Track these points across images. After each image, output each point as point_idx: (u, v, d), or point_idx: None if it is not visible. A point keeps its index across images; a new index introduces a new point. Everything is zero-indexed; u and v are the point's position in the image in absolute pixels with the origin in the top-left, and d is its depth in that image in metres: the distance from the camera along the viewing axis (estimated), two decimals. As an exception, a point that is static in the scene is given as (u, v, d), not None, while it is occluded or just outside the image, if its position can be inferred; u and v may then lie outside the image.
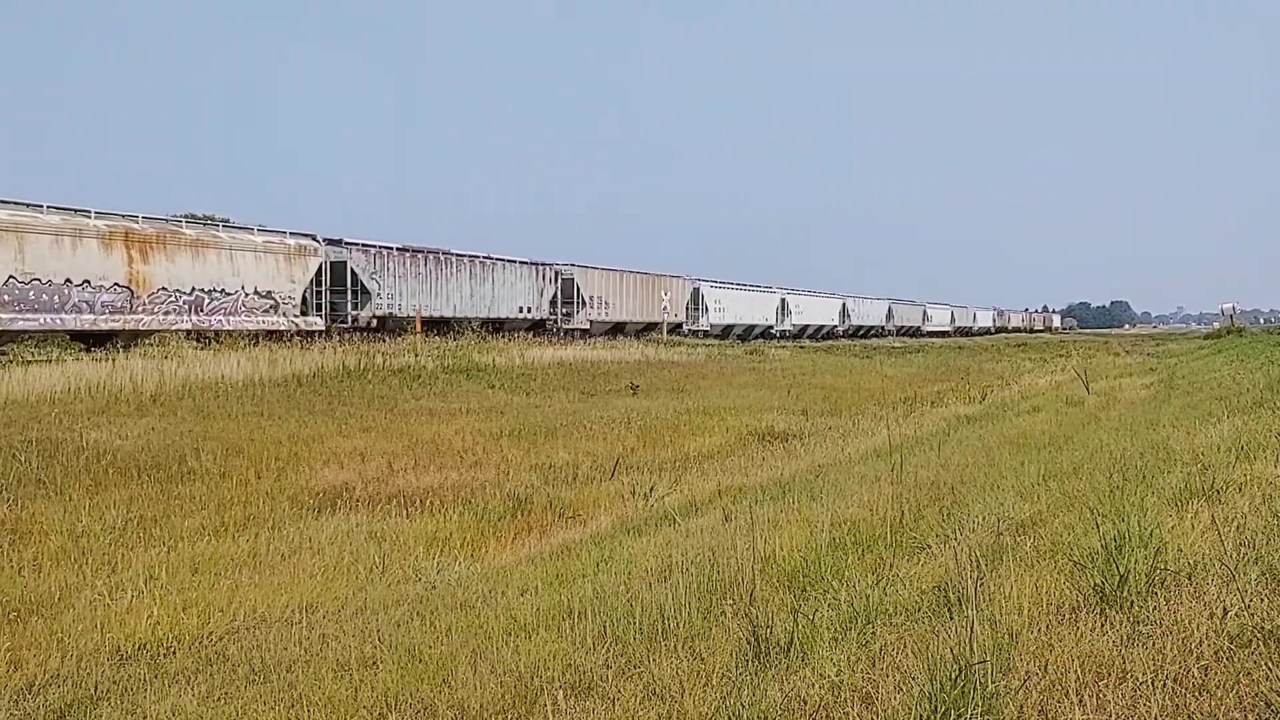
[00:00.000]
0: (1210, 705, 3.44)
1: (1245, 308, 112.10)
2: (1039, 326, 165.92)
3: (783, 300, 78.07)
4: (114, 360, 23.33)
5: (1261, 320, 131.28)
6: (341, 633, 7.52)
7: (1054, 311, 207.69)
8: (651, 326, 58.92)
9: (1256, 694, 3.47)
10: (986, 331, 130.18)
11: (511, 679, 5.32)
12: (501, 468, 16.18)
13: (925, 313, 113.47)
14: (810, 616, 5.15)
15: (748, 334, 71.30)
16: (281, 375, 24.20)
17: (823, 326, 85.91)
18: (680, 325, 62.36)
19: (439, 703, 5.26)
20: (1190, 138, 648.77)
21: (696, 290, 65.11)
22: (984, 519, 6.72)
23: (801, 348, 60.27)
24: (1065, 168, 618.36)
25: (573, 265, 53.12)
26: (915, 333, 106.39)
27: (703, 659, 5.09)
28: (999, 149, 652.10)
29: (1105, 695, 3.60)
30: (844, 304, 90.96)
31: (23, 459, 14.24)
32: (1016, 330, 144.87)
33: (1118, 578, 4.55)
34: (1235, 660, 3.73)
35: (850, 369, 42.70)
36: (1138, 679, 3.69)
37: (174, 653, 7.85)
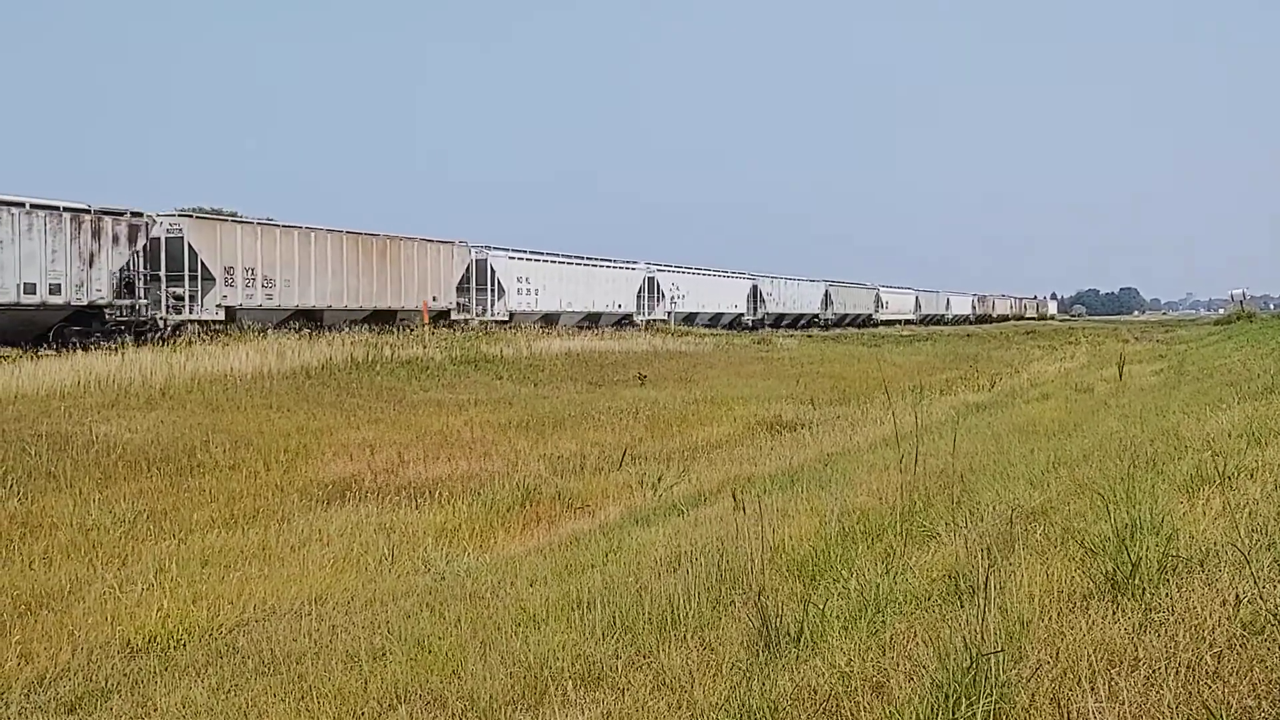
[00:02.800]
0: (1224, 692, 3.41)
1: (1255, 293, 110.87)
2: (1031, 314, 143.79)
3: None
4: (123, 354, 23.38)
5: (1272, 306, 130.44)
6: (351, 624, 7.52)
7: (1051, 298, 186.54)
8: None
9: (1270, 681, 3.44)
10: (964, 320, 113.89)
11: (521, 670, 5.32)
12: (510, 458, 16.19)
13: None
14: (820, 606, 5.13)
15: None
16: (290, 368, 24.22)
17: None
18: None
19: (448, 694, 5.26)
20: (1200, 123, 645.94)
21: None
22: (994, 507, 6.69)
23: (810, 337, 59.80)
24: (1074, 154, 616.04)
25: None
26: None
27: (713, 649, 5.07)
28: (1003, 135, 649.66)
29: (1118, 683, 3.57)
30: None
31: (33, 453, 14.28)
32: (1004, 319, 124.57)
33: (1129, 565, 4.52)
34: (1249, 647, 3.70)
35: (859, 357, 42.63)
36: (1150, 666, 3.67)
37: (184, 645, 7.86)
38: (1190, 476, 6.50)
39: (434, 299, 40.81)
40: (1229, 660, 3.63)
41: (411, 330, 35.36)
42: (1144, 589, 4.41)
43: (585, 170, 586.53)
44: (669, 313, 59.49)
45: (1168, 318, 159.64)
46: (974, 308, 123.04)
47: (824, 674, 4.29)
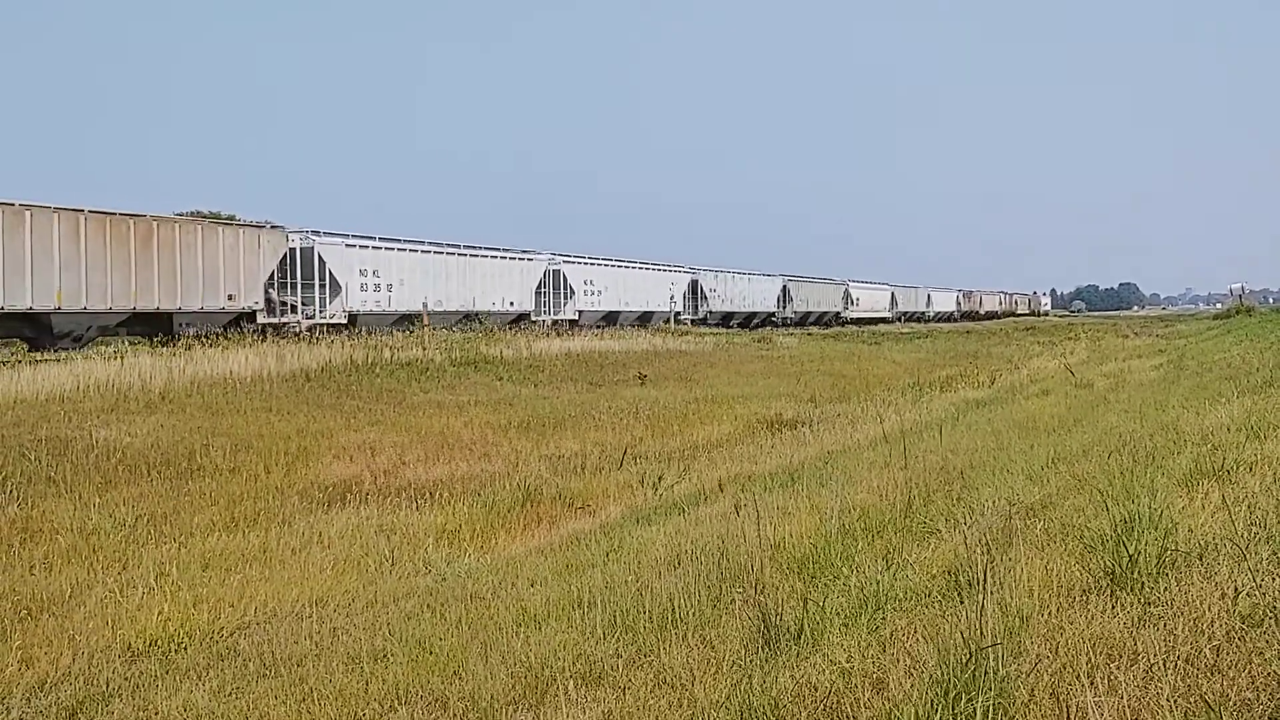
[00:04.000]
0: (1222, 685, 3.41)
1: (1254, 287, 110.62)
2: (1023, 310, 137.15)
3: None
4: (122, 358, 23.38)
5: (1270, 300, 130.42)
6: (352, 626, 7.53)
7: (1046, 294, 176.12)
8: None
9: (1269, 674, 3.44)
10: (948, 318, 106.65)
11: (522, 669, 5.33)
12: (510, 459, 16.19)
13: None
14: (820, 603, 5.14)
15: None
16: (290, 370, 24.21)
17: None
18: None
19: (450, 694, 5.27)
20: (1200, 118, 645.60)
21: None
22: (994, 503, 6.70)
23: (809, 335, 59.47)
24: (1073, 151, 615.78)
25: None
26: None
27: (713, 647, 5.08)
28: (1003, 134, 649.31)
29: (1117, 676, 3.58)
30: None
31: (33, 458, 14.28)
32: (993, 315, 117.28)
33: (1128, 559, 4.53)
34: (1247, 640, 3.70)
35: (858, 355, 42.67)
36: (1149, 660, 3.67)
37: (185, 648, 7.87)
38: (1189, 471, 6.52)
39: (230, 297, 32.30)
40: (1227, 653, 3.64)
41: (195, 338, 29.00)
42: (1143, 583, 4.42)
43: (584, 170, 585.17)
44: (579, 312, 50.65)
45: (1167, 313, 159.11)
46: (959, 304, 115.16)
47: (824, 671, 4.30)
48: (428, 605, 7.64)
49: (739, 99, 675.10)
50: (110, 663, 7.63)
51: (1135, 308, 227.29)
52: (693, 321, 60.01)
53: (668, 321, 56.53)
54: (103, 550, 10.77)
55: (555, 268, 49.82)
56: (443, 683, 5.47)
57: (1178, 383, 15.88)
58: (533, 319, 46.60)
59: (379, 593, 9.00)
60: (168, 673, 7.11)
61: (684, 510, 10.14)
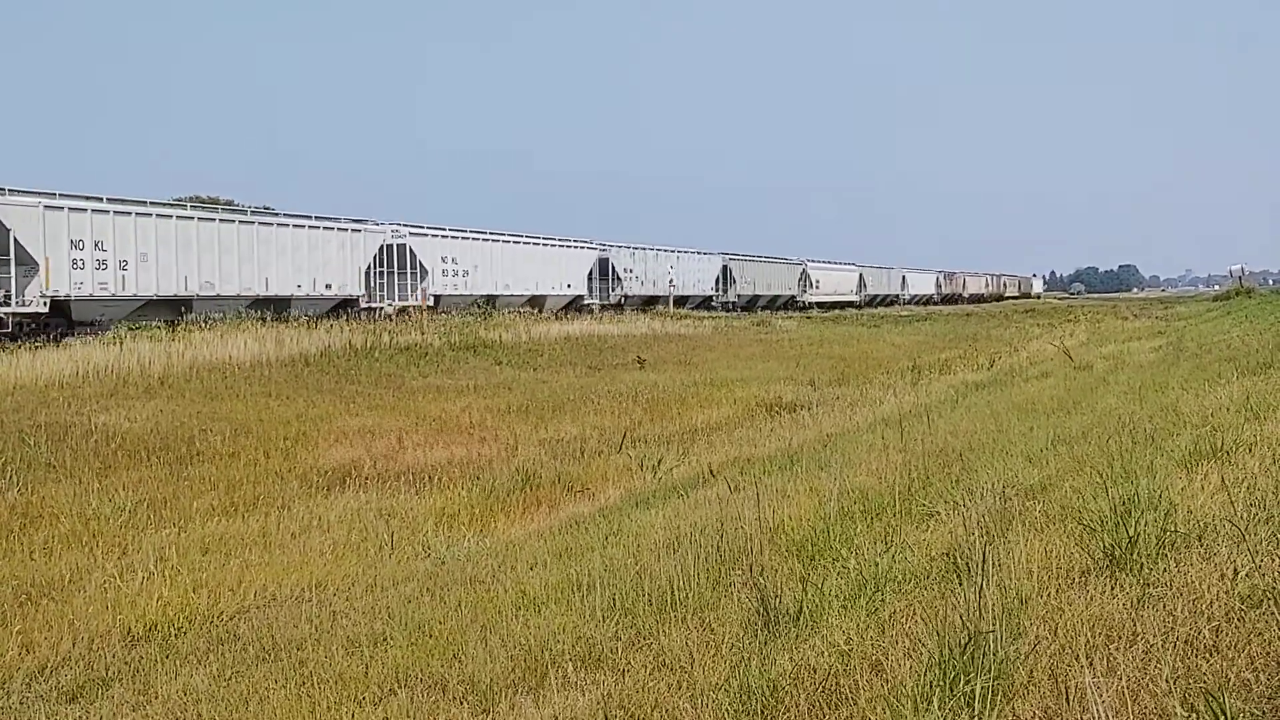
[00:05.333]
0: (1222, 666, 3.41)
1: (1254, 269, 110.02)
2: (1012, 293, 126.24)
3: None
4: (121, 343, 23.35)
5: (1270, 281, 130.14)
6: (352, 610, 7.54)
7: (1039, 276, 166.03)
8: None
9: (1268, 654, 3.44)
10: (926, 301, 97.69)
11: (521, 652, 5.33)
12: (509, 443, 16.19)
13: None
14: (819, 585, 5.14)
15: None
16: (288, 355, 24.21)
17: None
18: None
19: (450, 677, 5.27)
20: (1199, 101, 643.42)
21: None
22: (993, 485, 6.68)
23: (809, 318, 59.17)
24: (1070, 131, 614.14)
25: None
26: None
27: (712, 629, 5.08)
28: (1003, 113, 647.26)
29: (1116, 657, 3.57)
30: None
31: (32, 443, 14.28)
32: (978, 299, 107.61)
33: (1127, 540, 4.52)
34: (1246, 621, 3.70)
35: (858, 338, 42.65)
36: (1149, 641, 3.67)
37: (185, 633, 7.88)
38: (1189, 452, 6.51)
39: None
40: (1227, 634, 3.63)
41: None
42: (1142, 564, 4.41)
43: (587, 170, 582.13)
44: (436, 296, 40.57)
45: (1167, 295, 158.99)
46: (940, 286, 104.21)
47: (823, 653, 4.30)
48: (427, 589, 7.65)
49: (740, 96, 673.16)
50: (110, 647, 7.65)
51: (1135, 290, 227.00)
52: (602, 307, 51.40)
53: (566, 309, 48.62)
54: (102, 535, 10.78)
55: (398, 242, 39.90)
56: (442, 666, 5.47)
57: (1177, 364, 15.87)
58: (373, 307, 38.06)
59: (378, 576, 9.01)
60: (167, 657, 7.12)
61: (683, 493, 10.14)
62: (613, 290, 53.90)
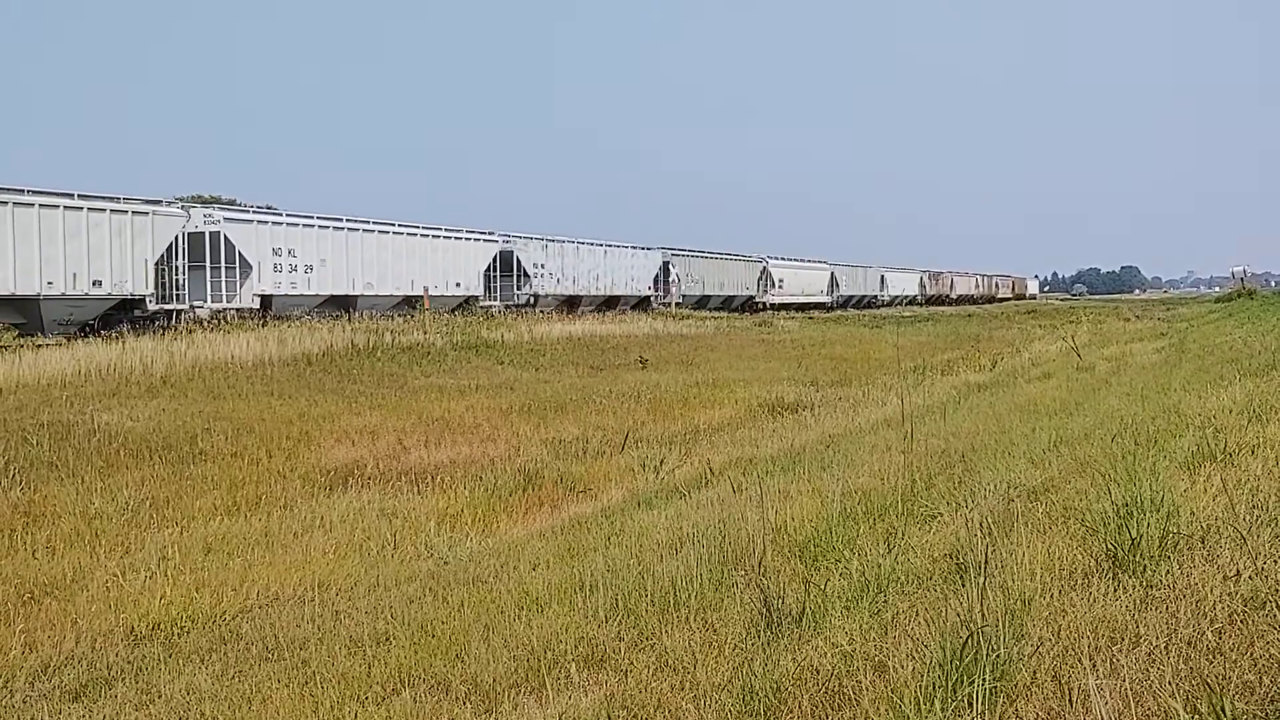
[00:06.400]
0: (1224, 668, 3.41)
1: (1256, 270, 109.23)
2: (1005, 294, 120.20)
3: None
4: (123, 342, 23.39)
5: (1273, 283, 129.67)
6: (354, 609, 7.55)
7: (1038, 278, 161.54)
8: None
9: (1270, 656, 3.44)
10: (910, 302, 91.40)
11: (524, 652, 5.33)
12: (512, 443, 16.20)
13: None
14: (822, 586, 5.14)
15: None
16: (291, 354, 24.23)
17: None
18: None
19: (453, 677, 5.28)
20: (1197, 97, 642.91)
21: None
22: (995, 486, 6.69)
23: (810, 318, 59.11)
24: (1072, 132, 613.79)
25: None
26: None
27: (715, 630, 5.08)
28: (1003, 114, 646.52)
29: (1118, 659, 3.58)
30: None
31: (35, 442, 14.29)
32: (968, 300, 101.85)
33: (1130, 542, 4.52)
34: (1249, 623, 3.70)
35: (860, 339, 42.64)
36: (1151, 643, 3.67)
37: (188, 632, 7.90)
38: (1191, 454, 6.51)
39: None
40: (1230, 636, 3.63)
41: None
42: (1145, 566, 4.41)
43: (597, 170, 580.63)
44: (258, 295, 34.10)
45: (1169, 296, 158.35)
46: (924, 287, 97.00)
47: (826, 654, 4.30)
48: (430, 589, 7.66)
49: (744, 95, 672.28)
50: (113, 646, 7.66)
51: (1137, 291, 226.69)
52: (505, 309, 44.05)
53: (456, 311, 40.38)
54: (105, 534, 10.80)
55: (209, 230, 33.00)
56: (445, 666, 5.48)
57: (1179, 366, 15.88)
58: (164, 309, 31.43)
59: (381, 576, 9.02)
60: (170, 656, 7.13)
61: (685, 494, 10.15)
62: (519, 289, 46.83)
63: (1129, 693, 3.35)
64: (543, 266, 48.39)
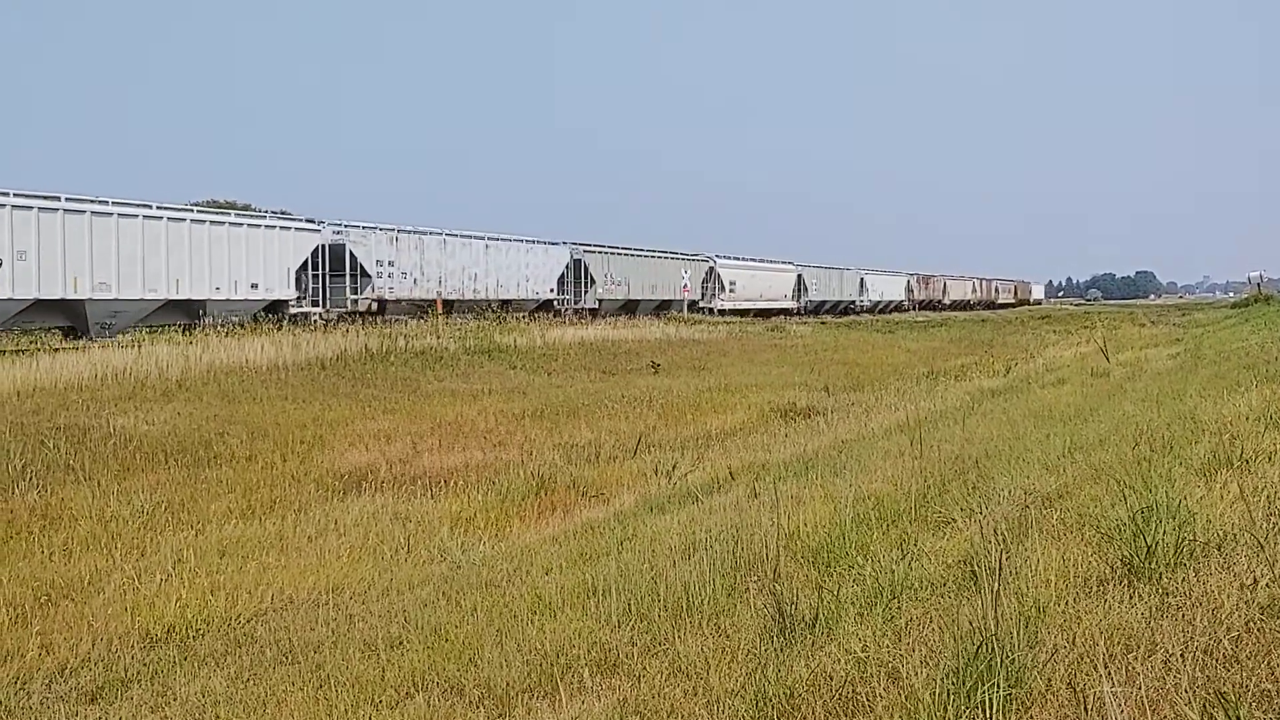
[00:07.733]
0: (1241, 676, 3.40)
1: (1273, 275, 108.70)
2: (1007, 299, 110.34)
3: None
4: (139, 347, 23.50)
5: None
6: (368, 613, 7.57)
7: (1054, 284, 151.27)
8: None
9: (1288, 665, 3.42)
10: (895, 308, 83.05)
11: (537, 657, 5.34)
12: (524, 447, 16.20)
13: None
14: (835, 592, 5.14)
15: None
16: (305, 359, 24.30)
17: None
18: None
19: (466, 681, 5.29)
20: (1217, 105, 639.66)
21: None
22: (1009, 492, 6.68)
23: (823, 323, 59.02)
24: (1087, 136, 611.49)
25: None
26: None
27: (728, 635, 5.09)
28: (1003, 114, 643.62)
29: (1134, 667, 3.56)
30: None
31: (51, 446, 14.37)
32: (963, 306, 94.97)
33: (1145, 549, 4.50)
34: (1266, 631, 3.68)
35: (872, 344, 42.61)
36: (1167, 651, 3.66)
37: (203, 635, 7.92)
38: (1207, 460, 6.47)
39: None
40: (1246, 644, 3.62)
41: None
42: (1160, 573, 4.39)
43: (593, 170, 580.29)
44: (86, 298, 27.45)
45: (1184, 301, 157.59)
46: (912, 291, 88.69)
47: (839, 660, 4.30)
48: (443, 593, 7.67)
49: (742, 96, 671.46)
50: (129, 649, 7.69)
51: (1152, 296, 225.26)
52: (332, 319, 36.16)
53: (266, 314, 33.71)
54: (121, 537, 10.85)
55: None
56: (459, 670, 5.49)
57: (1195, 371, 15.80)
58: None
59: (394, 580, 9.04)
60: (186, 659, 7.16)
61: (698, 499, 10.14)
62: (356, 291, 37.87)
63: (1144, 701, 3.34)
64: (391, 263, 39.17)
